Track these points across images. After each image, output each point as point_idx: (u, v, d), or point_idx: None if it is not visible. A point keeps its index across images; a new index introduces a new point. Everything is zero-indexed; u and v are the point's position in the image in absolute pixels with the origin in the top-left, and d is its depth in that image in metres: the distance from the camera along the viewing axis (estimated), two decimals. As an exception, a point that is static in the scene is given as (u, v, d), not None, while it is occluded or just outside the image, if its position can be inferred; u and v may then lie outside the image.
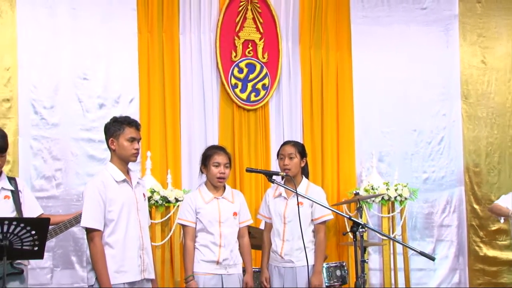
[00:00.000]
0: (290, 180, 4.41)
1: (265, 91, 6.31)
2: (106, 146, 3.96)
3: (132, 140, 3.86)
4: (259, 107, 6.30)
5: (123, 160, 3.88)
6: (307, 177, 4.68)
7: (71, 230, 4.45)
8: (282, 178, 4.52)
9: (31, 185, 5.37)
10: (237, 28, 6.26)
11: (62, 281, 5.59)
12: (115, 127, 3.87)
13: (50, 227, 4.01)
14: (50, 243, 5.18)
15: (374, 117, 6.76)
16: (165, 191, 5.51)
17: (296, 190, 4.02)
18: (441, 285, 6.85)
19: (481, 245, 6.96)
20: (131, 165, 4.04)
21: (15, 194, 4.28)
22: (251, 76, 6.27)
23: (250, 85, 6.25)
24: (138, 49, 5.89)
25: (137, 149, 3.89)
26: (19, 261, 4.14)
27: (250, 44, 6.30)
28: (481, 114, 7.08)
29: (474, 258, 6.93)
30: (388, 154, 6.78)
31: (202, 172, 4.41)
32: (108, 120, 3.98)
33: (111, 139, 3.87)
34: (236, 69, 6.22)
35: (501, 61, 7.18)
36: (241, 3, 6.26)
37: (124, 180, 3.85)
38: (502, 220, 4.82)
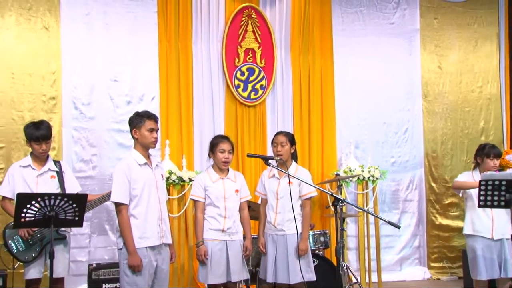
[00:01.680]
0: (283, 164, 4.37)
1: (263, 90, 6.27)
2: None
3: (152, 130, 3.82)
4: (257, 104, 6.26)
5: (144, 147, 3.83)
6: (296, 161, 4.62)
7: (104, 204, 4.43)
8: (276, 162, 4.46)
9: (72, 167, 5.36)
10: (240, 39, 6.21)
11: (98, 245, 5.63)
12: (137, 120, 3.82)
13: (87, 202, 3.98)
14: (88, 214, 5.19)
15: (352, 112, 6.73)
16: (181, 172, 5.48)
17: (287, 172, 3.97)
18: (405, 248, 6.85)
19: (437, 215, 6.95)
20: (153, 151, 4.00)
21: (60, 174, 4.29)
22: (251, 78, 6.23)
23: (250, 85, 6.21)
24: (159, 56, 5.88)
25: (156, 138, 3.85)
26: (63, 228, 4.17)
27: (250, 51, 6.26)
28: (438, 110, 7.07)
29: (431, 226, 6.93)
30: (363, 142, 6.75)
31: (210, 157, 4.36)
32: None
33: (134, 129, 3.82)
34: (238, 73, 6.18)
35: (453, 66, 7.16)
36: (243, 18, 6.23)
37: (145, 164, 3.81)
38: (460, 194, 4.80)
